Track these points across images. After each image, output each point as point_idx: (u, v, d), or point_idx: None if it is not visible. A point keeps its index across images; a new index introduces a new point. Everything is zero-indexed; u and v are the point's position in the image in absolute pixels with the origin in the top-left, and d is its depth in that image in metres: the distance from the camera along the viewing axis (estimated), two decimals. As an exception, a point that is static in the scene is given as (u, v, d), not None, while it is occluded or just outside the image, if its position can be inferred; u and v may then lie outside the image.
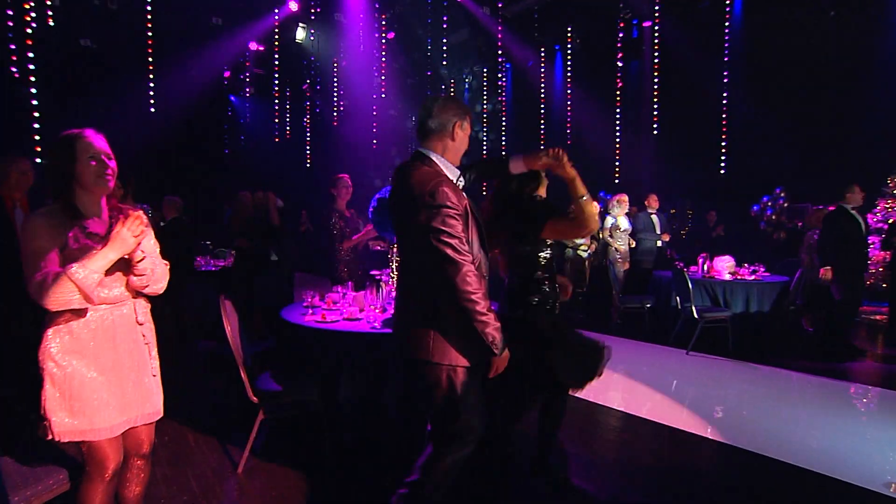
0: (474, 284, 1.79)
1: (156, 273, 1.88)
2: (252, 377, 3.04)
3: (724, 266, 5.92)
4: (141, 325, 1.89)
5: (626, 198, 7.06)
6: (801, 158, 8.12)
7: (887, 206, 7.60)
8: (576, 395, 4.16)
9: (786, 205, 7.93)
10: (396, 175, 2.01)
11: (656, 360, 5.41)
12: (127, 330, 1.84)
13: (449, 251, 1.77)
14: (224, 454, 3.15)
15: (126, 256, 1.74)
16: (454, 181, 1.94)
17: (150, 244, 1.93)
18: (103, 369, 1.75)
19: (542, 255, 2.48)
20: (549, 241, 2.51)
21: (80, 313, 1.71)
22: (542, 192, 2.63)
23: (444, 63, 12.58)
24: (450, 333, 1.87)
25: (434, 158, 1.97)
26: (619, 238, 6.98)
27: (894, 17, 7.90)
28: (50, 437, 1.68)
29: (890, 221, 7.44)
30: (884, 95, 7.63)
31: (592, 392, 4.37)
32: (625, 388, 4.59)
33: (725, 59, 9.43)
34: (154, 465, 2.96)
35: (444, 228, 1.78)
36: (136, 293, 1.89)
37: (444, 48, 12.61)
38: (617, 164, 11.20)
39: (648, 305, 6.45)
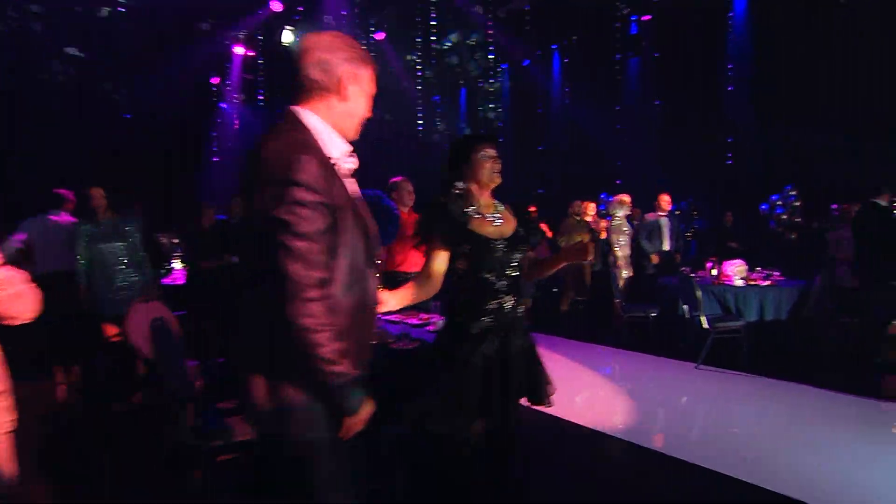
0: (317, 318, 1.18)
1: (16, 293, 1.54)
2: (203, 408, 2.65)
3: (736, 271, 5.45)
4: None
5: (627, 198, 6.61)
6: (813, 155, 7.66)
7: None
8: (573, 420, 3.77)
9: (798, 203, 7.45)
10: (253, 146, 1.36)
11: (663, 375, 4.95)
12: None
13: (288, 261, 1.17)
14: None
15: None
16: (335, 159, 1.32)
17: None
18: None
19: (489, 275, 1.91)
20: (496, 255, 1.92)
21: None
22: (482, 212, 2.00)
23: (435, 63, 12.21)
24: (297, 382, 1.27)
25: (308, 122, 1.34)
26: (621, 241, 6.53)
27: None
28: None
29: None
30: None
31: (591, 416, 3.92)
32: (630, 410, 4.13)
33: (728, 51, 9.02)
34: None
35: (289, 220, 1.17)
36: None
37: (438, 49, 12.28)
38: (618, 163, 10.78)
39: (653, 314, 5.99)
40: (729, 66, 9.07)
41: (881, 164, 6.56)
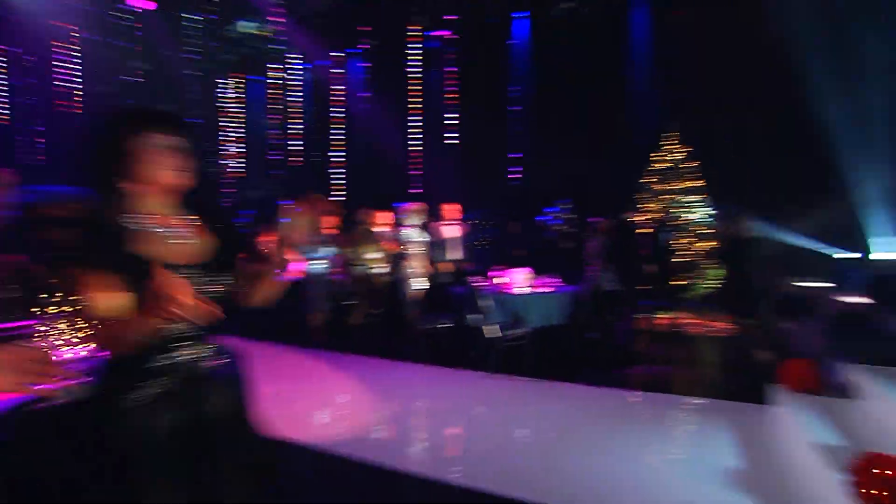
0: None
1: None
2: None
3: (520, 279, 5.59)
4: None
5: (419, 207, 6.48)
6: (586, 171, 8.52)
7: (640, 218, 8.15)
8: (357, 455, 3.19)
9: (573, 216, 8.26)
10: None
11: (455, 388, 4.78)
12: None
13: None
14: None
15: None
16: None
17: None
18: None
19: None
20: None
21: None
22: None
23: (222, 47, 10.88)
24: None
25: None
26: (413, 251, 6.33)
27: (638, 29, 8.86)
28: None
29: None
30: (639, 110, 8.44)
31: (375, 447, 3.38)
32: (415, 431, 3.79)
33: (514, 72, 9.76)
34: None
35: None
36: None
37: (226, 34, 10.98)
38: (415, 173, 10.88)
39: (446, 325, 5.90)
40: (514, 87, 9.80)
41: (631, 187, 7.62)
